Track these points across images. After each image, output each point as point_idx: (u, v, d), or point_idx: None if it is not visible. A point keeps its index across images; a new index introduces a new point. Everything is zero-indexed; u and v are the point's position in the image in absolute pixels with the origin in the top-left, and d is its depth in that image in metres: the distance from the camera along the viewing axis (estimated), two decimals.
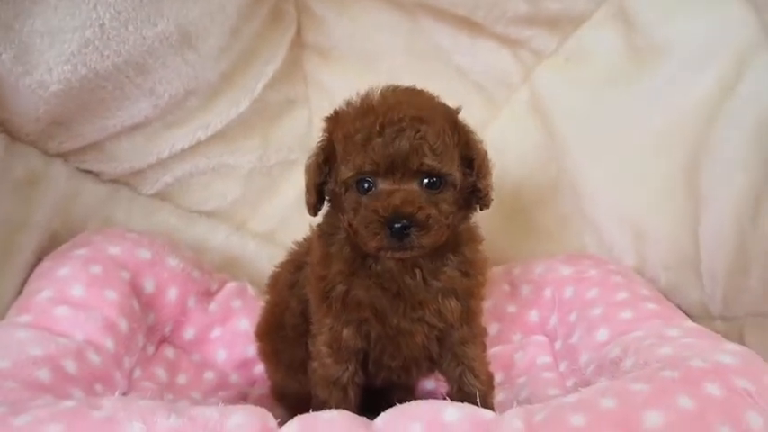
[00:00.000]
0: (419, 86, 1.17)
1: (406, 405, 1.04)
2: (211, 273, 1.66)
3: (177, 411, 1.00)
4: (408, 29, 1.76)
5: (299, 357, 1.31)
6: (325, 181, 1.17)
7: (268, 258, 1.84)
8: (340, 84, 1.85)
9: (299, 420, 1.01)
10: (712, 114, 1.41)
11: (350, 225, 1.11)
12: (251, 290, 1.66)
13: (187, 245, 1.71)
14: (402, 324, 1.18)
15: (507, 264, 1.67)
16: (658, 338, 1.21)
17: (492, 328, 1.52)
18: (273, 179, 1.87)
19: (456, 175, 1.10)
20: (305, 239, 1.38)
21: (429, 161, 1.06)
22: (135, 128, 1.59)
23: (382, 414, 1.03)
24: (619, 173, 1.58)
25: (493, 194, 1.16)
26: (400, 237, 1.05)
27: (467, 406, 1.03)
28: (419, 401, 1.06)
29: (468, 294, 1.21)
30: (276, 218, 1.88)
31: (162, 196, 1.75)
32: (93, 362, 1.26)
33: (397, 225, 1.04)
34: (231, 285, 1.65)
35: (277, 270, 1.42)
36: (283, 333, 1.33)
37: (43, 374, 1.15)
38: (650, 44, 1.51)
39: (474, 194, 1.17)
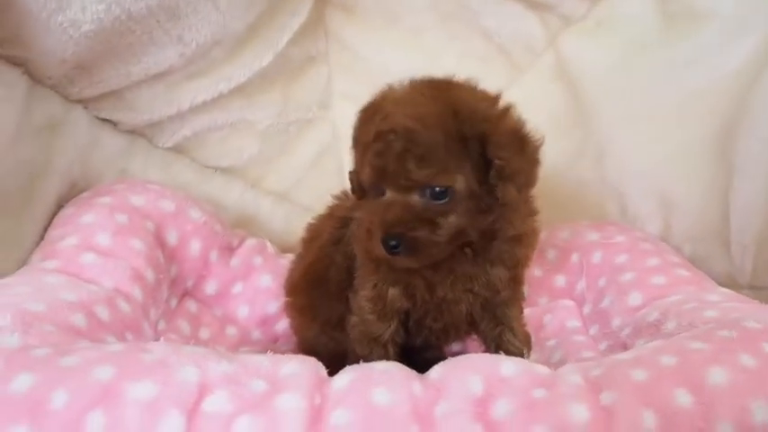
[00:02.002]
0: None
1: (460, 358, 1.02)
2: (231, 228, 1.62)
3: (227, 358, 0.98)
4: None
5: (337, 313, 1.28)
6: None
7: (283, 217, 1.83)
8: (361, 41, 1.82)
9: (353, 370, 0.99)
10: (750, 82, 1.41)
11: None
12: (270, 247, 1.64)
13: (204, 202, 1.66)
14: (449, 295, 1.17)
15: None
16: (699, 302, 1.21)
17: None
18: (290, 137, 1.83)
19: (458, 185, 1.03)
20: (344, 193, 1.36)
21: (416, 176, 1.01)
22: (158, 77, 1.54)
23: (435, 367, 1.01)
24: (648, 139, 1.57)
25: (513, 201, 1.06)
26: (393, 252, 1.03)
27: (521, 360, 1.02)
28: (470, 355, 1.04)
29: (516, 264, 1.19)
30: (291, 177, 1.85)
31: (178, 149, 1.70)
32: (123, 310, 1.21)
33: (389, 242, 1.02)
34: (251, 242, 1.62)
35: (314, 223, 1.39)
36: (324, 289, 1.30)
37: (78, 320, 1.11)
38: (686, 9, 1.50)
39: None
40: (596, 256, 1.50)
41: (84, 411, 0.87)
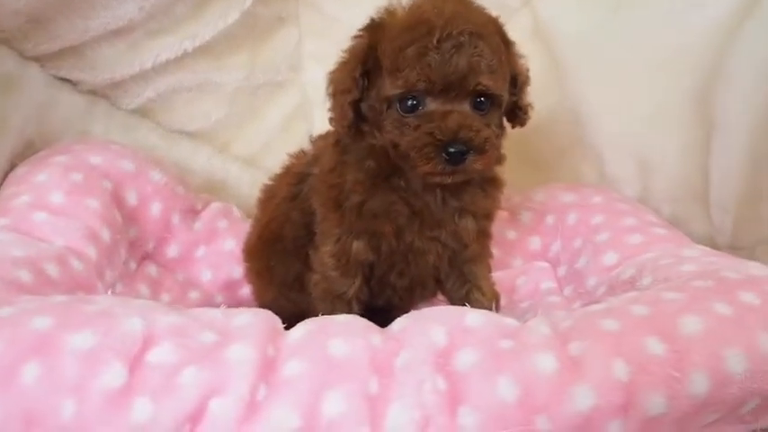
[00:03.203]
0: None
1: (424, 310, 0.98)
2: (196, 192, 1.57)
3: (178, 311, 0.93)
4: None
5: (293, 273, 1.25)
6: (362, 97, 1.07)
7: (251, 182, 1.77)
8: (332, 3, 1.77)
9: (311, 322, 0.94)
10: (731, 33, 1.35)
11: (395, 146, 1.04)
12: (236, 211, 1.58)
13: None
14: (416, 243, 1.13)
15: (505, 192, 1.61)
16: (676, 258, 1.17)
17: None
18: (259, 100, 1.78)
19: (506, 95, 1.05)
20: (301, 151, 1.31)
21: (486, 80, 1.00)
22: (117, 33, 1.49)
23: (398, 319, 0.96)
24: (625, 99, 1.52)
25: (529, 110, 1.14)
26: (456, 162, 0.99)
27: (488, 312, 0.98)
28: (435, 307, 1.00)
29: (486, 215, 1.17)
30: (260, 141, 1.79)
31: (143, 112, 1.64)
32: (75, 268, 1.16)
33: (453, 150, 0.98)
34: (216, 205, 1.57)
35: (272, 184, 1.34)
36: (280, 247, 1.26)
37: (24, 275, 1.05)
38: None
39: (512, 113, 1.13)
40: (572, 218, 1.46)
41: (18, 361, 0.82)
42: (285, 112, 1.79)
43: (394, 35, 1.02)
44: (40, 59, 1.45)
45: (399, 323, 0.95)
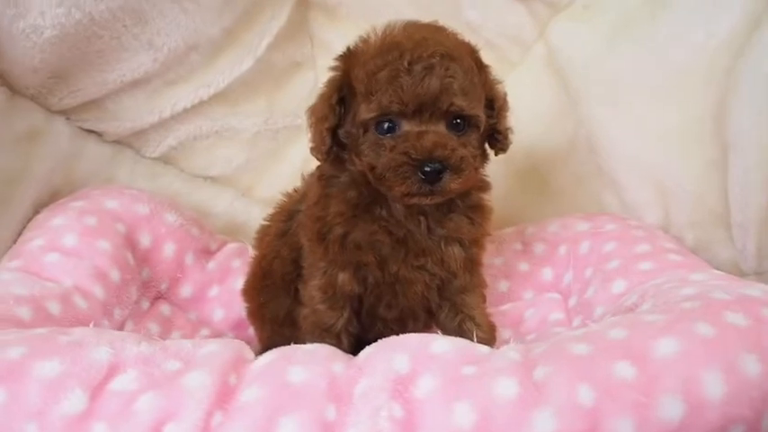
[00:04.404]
0: None
1: (393, 338, 0.96)
2: (212, 233, 1.61)
3: (149, 341, 0.95)
4: None
5: (284, 309, 1.25)
6: (339, 123, 1.09)
7: None
8: (346, 44, 1.79)
9: (278, 351, 0.95)
10: (739, 50, 1.31)
11: (372, 169, 1.04)
12: (252, 251, 1.60)
13: (191, 209, 1.65)
14: (402, 272, 1.12)
15: (520, 224, 1.58)
16: (681, 282, 1.11)
17: (502, 286, 1.45)
18: (279, 144, 1.80)
19: (481, 116, 1.06)
20: (294, 190, 1.34)
21: (459, 101, 1.01)
22: (135, 84, 1.55)
23: (367, 348, 0.96)
24: (639, 124, 1.48)
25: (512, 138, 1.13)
26: (432, 181, 0.99)
27: (460, 340, 0.95)
28: (407, 334, 0.98)
29: (473, 242, 1.16)
30: (282, 184, 1.80)
31: (166, 159, 1.70)
32: (79, 306, 1.21)
33: (428, 168, 0.99)
34: (232, 246, 1.60)
35: (265, 223, 1.36)
36: (270, 283, 1.27)
37: (23, 312, 1.10)
38: None
39: (492, 138, 1.12)
40: (584, 246, 1.41)
41: None
42: (307, 154, 1.80)
43: (366, 60, 1.04)
44: (65, 113, 1.52)
45: (366, 351, 0.95)
